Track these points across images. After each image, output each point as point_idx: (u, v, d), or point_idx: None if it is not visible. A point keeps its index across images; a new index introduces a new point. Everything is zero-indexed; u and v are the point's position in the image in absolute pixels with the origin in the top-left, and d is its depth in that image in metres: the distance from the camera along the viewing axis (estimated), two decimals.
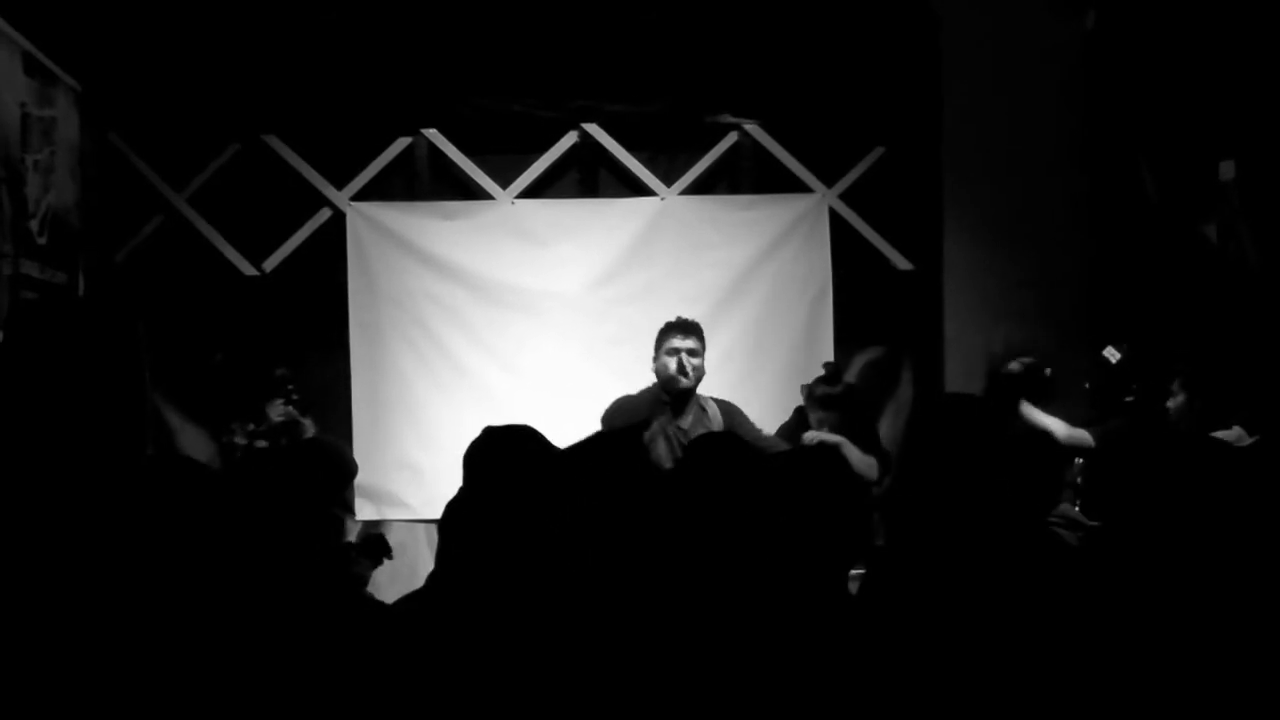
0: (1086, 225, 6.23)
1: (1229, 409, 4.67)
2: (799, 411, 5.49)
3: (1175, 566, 2.19)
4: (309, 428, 5.37)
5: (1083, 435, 4.97)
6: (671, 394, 5.19)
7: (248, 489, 2.43)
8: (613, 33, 6.27)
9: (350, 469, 4.83)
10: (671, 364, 5.18)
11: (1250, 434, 4.41)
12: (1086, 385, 4.93)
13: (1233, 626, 2.13)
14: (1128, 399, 4.75)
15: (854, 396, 5.39)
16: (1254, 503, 2.25)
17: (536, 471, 2.62)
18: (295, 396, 5.35)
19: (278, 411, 5.30)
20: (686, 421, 5.17)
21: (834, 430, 5.20)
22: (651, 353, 5.31)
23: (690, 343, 5.23)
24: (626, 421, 4.84)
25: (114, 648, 1.86)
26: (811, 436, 5.18)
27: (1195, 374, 4.77)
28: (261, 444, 5.28)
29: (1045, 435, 4.94)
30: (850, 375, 6.41)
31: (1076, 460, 4.98)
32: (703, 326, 6.22)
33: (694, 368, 5.19)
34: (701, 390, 5.33)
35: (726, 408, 5.28)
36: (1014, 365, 5.26)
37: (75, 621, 1.86)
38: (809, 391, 5.34)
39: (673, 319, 5.34)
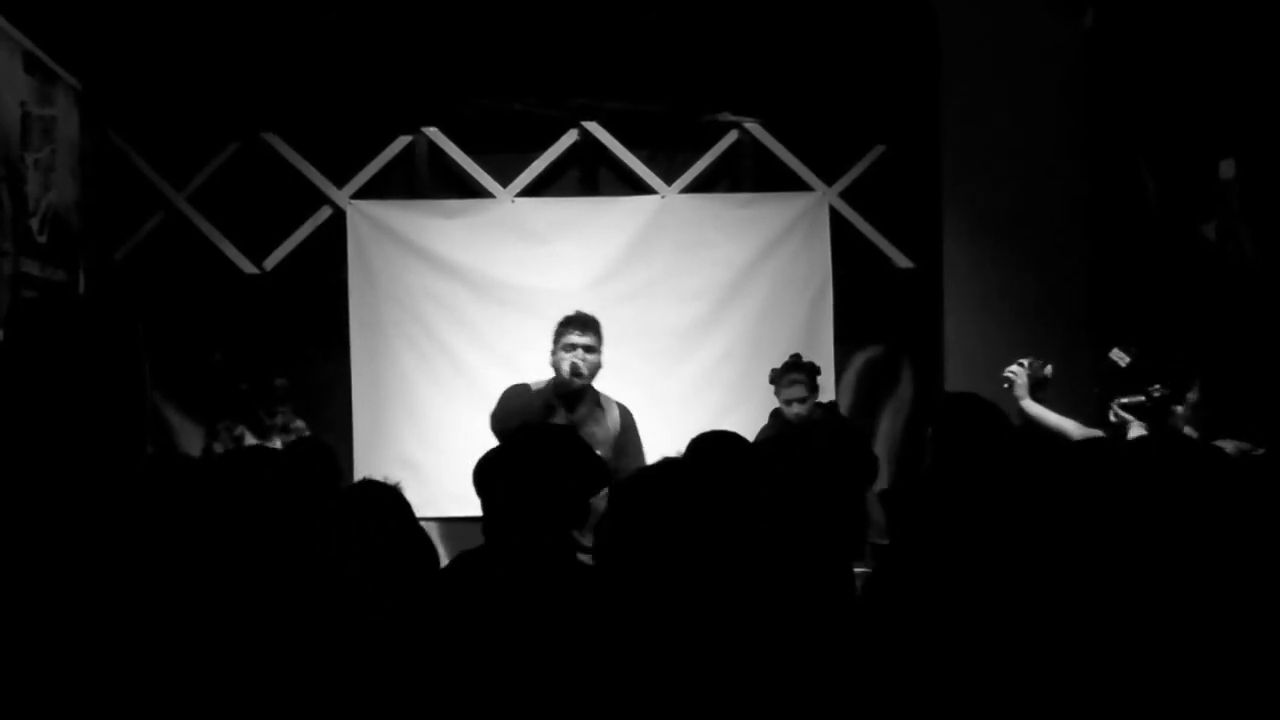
0: (1086, 224, 6.23)
1: (1232, 414, 4.64)
2: (775, 414, 5.62)
3: (1177, 569, 2.19)
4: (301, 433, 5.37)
5: (1097, 435, 4.90)
6: (564, 391, 5.02)
7: (246, 488, 2.44)
8: (612, 32, 6.28)
9: (339, 465, 4.82)
10: (566, 362, 5.01)
11: (1255, 445, 4.34)
12: (1095, 390, 4.89)
13: (1232, 630, 2.14)
14: (1145, 401, 4.70)
15: (817, 369, 5.63)
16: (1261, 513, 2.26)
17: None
18: (297, 423, 5.35)
19: (277, 441, 5.28)
20: (579, 414, 5.00)
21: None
22: (551, 347, 5.12)
23: (587, 339, 5.05)
24: (519, 414, 4.73)
25: (112, 648, 1.87)
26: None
27: (1206, 378, 4.73)
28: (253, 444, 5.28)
29: (1059, 436, 4.91)
30: (850, 373, 6.49)
31: None
32: (702, 324, 6.20)
33: (590, 365, 5.02)
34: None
35: (625, 413, 5.14)
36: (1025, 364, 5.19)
37: (74, 622, 1.86)
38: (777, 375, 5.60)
39: (571, 313, 5.15)
